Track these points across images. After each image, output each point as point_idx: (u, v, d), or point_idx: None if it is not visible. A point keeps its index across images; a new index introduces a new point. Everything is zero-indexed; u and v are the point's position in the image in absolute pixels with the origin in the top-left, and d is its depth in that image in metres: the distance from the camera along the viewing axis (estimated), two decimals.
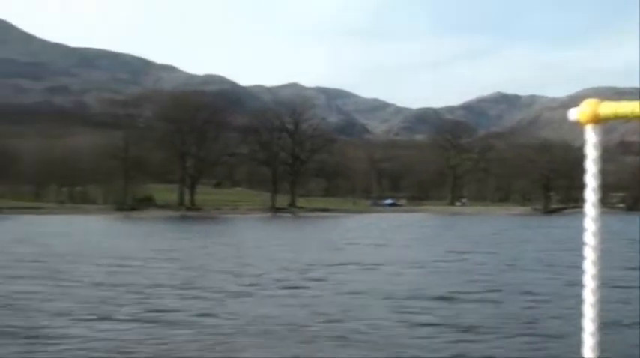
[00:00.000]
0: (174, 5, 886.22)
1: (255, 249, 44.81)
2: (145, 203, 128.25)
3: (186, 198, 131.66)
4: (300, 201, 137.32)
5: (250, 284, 26.14)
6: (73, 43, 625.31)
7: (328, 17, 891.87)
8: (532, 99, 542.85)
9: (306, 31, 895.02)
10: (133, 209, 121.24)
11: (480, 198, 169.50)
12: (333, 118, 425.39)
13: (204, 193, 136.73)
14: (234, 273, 30.17)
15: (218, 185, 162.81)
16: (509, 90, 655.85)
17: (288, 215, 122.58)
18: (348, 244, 50.14)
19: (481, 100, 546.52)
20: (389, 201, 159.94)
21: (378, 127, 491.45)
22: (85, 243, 49.81)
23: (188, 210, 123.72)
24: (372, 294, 23.70)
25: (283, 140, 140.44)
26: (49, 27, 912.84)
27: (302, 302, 21.88)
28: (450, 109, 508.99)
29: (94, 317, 19.13)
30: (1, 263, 34.46)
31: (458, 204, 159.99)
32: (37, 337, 16.55)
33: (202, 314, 19.56)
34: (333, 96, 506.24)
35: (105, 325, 18.08)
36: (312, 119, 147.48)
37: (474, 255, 40.36)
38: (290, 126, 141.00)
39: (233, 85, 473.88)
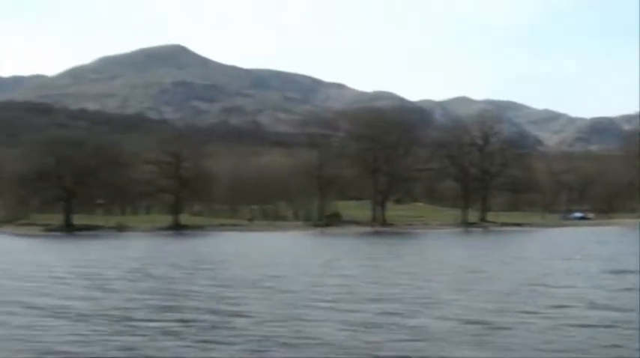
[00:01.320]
0: (342, 25, 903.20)
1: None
2: (334, 219, 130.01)
3: (374, 213, 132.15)
4: (489, 216, 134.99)
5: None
6: (246, 64, 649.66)
7: (495, 29, 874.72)
8: None
9: (474, 44, 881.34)
10: (327, 225, 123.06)
11: None
12: (505, 131, 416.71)
13: (389, 209, 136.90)
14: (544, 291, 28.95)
15: (398, 201, 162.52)
16: None
17: (479, 229, 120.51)
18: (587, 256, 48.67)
19: None
20: (578, 215, 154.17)
21: (550, 139, 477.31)
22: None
23: (382, 225, 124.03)
24: None
25: (472, 155, 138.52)
26: (223, 50, 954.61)
27: None
28: (628, 118, 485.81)
29: None
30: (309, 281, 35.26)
31: None
32: None
33: None
34: (503, 108, 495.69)
35: None
36: (501, 133, 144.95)
37: None
38: (479, 141, 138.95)
39: (402, 100, 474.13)
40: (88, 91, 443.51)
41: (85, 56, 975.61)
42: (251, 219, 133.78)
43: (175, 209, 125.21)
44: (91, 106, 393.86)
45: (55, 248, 75.06)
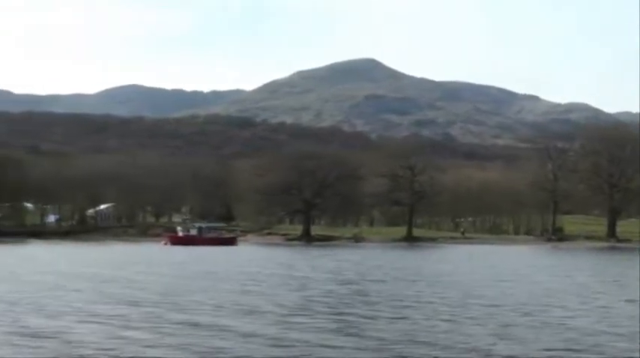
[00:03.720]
0: (533, 36, 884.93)
1: None
2: (559, 233, 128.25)
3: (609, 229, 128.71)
4: None
5: None
6: (437, 77, 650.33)
7: None
8: None
9: None
10: (560, 239, 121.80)
11: None
12: None
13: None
14: None
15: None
16: None
17: None
18: None
19: None
20: None
21: None
22: None
23: (617, 241, 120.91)
24: None
25: None
26: (414, 63, 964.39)
27: None
28: None
29: None
30: None
31: None
32: None
33: None
34: None
35: None
36: None
37: None
38: None
39: (597, 112, 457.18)
40: (283, 105, 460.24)
41: (282, 71, 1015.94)
42: (463, 232, 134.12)
43: (409, 221, 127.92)
44: (286, 119, 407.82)
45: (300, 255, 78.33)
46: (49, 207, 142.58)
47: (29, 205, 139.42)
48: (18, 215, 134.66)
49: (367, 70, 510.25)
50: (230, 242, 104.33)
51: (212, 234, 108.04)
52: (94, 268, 49.00)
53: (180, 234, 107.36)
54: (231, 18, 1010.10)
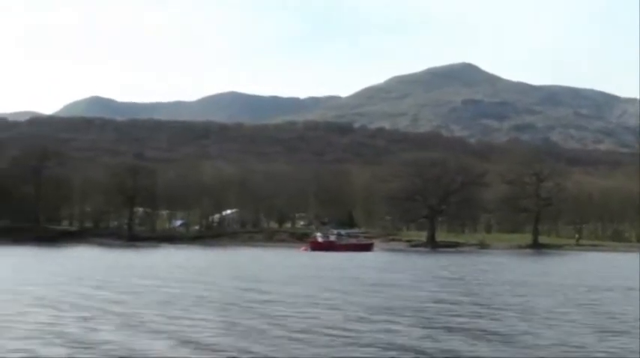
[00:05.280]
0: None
1: None
2: None
3: None
4: None
5: None
6: (536, 81, 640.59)
7: None
8: None
9: None
10: None
11: None
12: None
13: None
14: None
15: None
16: None
17: None
18: None
19: None
20: None
21: None
22: None
23: None
24: None
25: None
26: (512, 67, 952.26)
27: None
28: None
29: None
30: None
31: None
32: None
33: None
34: None
35: None
36: None
37: None
38: None
39: None
40: (379, 110, 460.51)
41: (378, 77, 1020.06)
42: (578, 239, 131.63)
43: (534, 228, 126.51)
44: (382, 125, 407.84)
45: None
46: (177, 212, 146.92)
47: (161, 212, 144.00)
48: (150, 220, 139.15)
49: (464, 74, 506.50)
50: (367, 248, 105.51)
51: (350, 240, 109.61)
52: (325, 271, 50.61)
53: (320, 240, 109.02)
54: (328, 26, 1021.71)
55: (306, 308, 26.71)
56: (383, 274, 51.91)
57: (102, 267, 56.16)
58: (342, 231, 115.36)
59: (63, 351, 17.03)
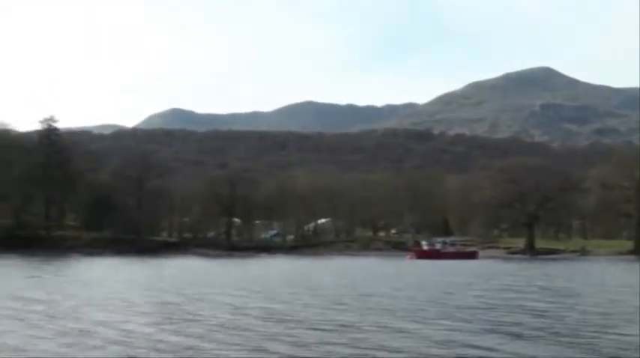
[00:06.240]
0: None
1: None
2: None
3: None
4: None
5: None
6: (618, 83, 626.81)
7: None
8: None
9: None
10: None
11: None
12: None
13: None
14: None
15: None
16: None
17: None
18: None
19: None
20: None
21: None
22: None
23: None
24: None
25: None
26: (592, 70, 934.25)
27: None
28: None
29: None
30: None
31: None
32: None
33: None
34: None
35: None
36: None
37: None
38: None
39: None
40: (457, 117, 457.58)
41: (455, 83, 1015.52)
42: None
43: (637, 234, 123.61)
44: (460, 131, 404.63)
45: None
46: (272, 222, 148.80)
47: (257, 221, 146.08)
48: (248, 230, 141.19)
49: (542, 78, 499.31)
50: (472, 256, 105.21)
51: (454, 248, 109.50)
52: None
53: (426, 248, 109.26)
54: (404, 34, 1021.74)
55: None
56: (551, 281, 51.79)
57: (273, 276, 57.03)
58: (447, 240, 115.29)
59: None
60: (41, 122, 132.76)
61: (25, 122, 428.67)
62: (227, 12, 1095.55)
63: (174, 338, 20.62)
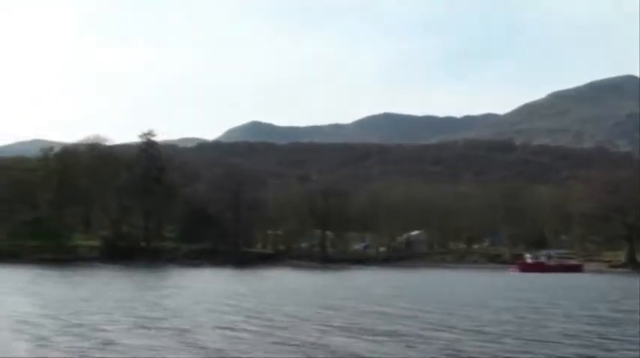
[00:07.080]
0: None
1: None
2: None
3: None
4: None
5: None
6: None
7: None
8: None
9: None
10: None
11: None
12: None
13: None
14: None
15: None
16: None
17: None
18: None
19: None
20: None
21: None
22: None
23: None
24: None
25: None
26: None
27: None
28: None
29: None
30: None
31: None
32: None
33: None
34: None
35: None
36: None
37: None
38: None
39: None
40: (539, 127, 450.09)
41: (535, 93, 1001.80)
42: None
43: None
44: (543, 142, 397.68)
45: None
46: (365, 234, 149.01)
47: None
48: (342, 242, 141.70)
49: (628, 87, 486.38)
50: (577, 269, 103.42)
51: (559, 261, 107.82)
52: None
53: (530, 261, 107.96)
54: (481, 44, 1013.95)
55: None
56: None
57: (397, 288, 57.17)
58: (552, 252, 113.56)
59: None
60: (140, 136, 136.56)
61: (117, 135, 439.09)
62: (304, 26, 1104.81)
63: None
